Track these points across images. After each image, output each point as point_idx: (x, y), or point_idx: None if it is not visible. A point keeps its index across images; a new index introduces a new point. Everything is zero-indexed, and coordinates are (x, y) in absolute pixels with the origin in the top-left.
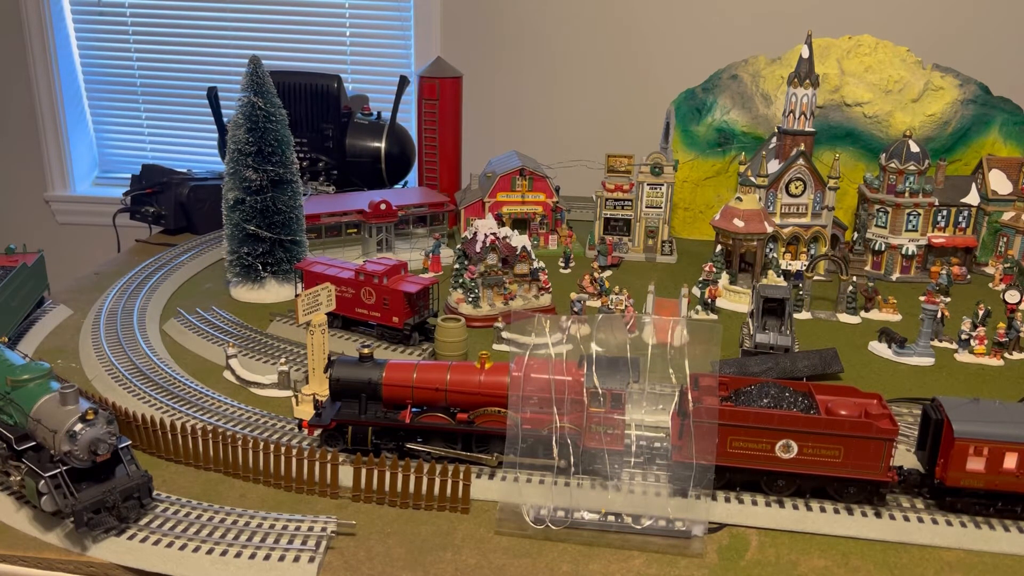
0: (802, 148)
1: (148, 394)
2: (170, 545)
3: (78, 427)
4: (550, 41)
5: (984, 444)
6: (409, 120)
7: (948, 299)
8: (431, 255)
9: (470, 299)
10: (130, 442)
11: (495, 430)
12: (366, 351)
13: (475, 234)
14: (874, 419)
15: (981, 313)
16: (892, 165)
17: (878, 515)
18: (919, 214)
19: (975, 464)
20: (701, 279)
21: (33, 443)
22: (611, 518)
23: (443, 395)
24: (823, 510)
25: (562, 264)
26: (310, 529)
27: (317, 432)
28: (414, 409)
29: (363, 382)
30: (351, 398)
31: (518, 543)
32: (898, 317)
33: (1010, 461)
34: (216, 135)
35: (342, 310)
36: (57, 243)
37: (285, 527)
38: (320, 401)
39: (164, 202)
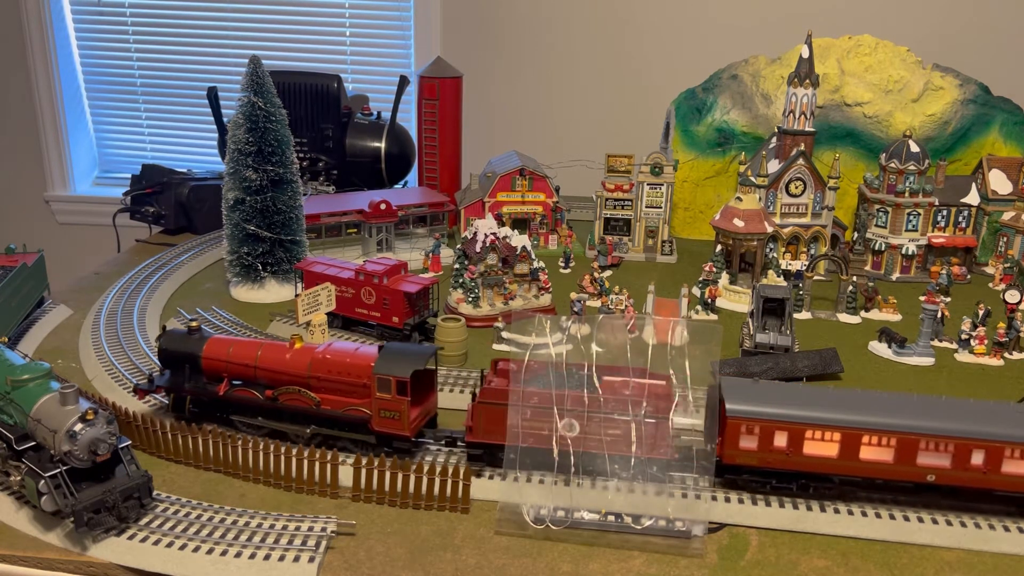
0: (802, 148)
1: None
2: (170, 545)
3: (78, 427)
4: (550, 41)
5: (756, 423)
6: (409, 120)
7: (948, 299)
8: (431, 255)
9: (470, 299)
10: (130, 442)
11: (295, 408)
12: (194, 324)
13: (475, 234)
14: (654, 399)
15: (981, 313)
16: (892, 165)
17: (878, 515)
18: (919, 214)
19: (748, 442)
20: (701, 279)
21: (33, 443)
22: (611, 518)
23: (253, 372)
24: (823, 510)
25: (562, 264)
26: (310, 529)
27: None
28: (235, 383)
29: (186, 354)
30: (178, 369)
31: (518, 543)
32: (898, 317)
33: (780, 439)
34: (216, 135)
35: (342, 310)
36: (57, 243)
37: (285, 527)
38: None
39: (164, 202)
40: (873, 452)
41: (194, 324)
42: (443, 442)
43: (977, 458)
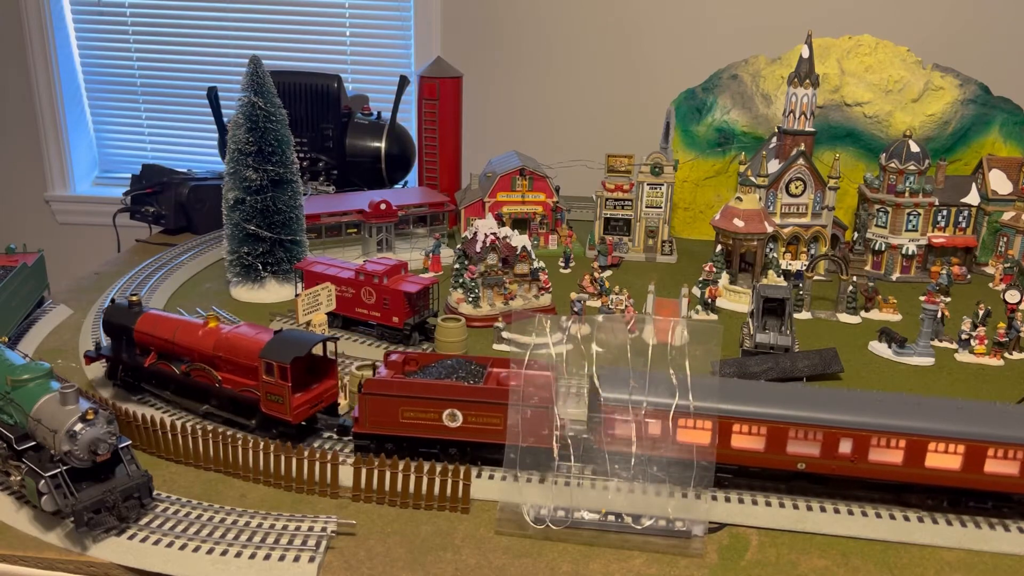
0: (802, 148)
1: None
2: (170, 545)
3: (78, 427)
4: (550, 41)
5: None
6: (409, 120)
7: (948, 299)
8: (431, 255)
9: (470, 299)
10: (130, 442)
11: (200, 384)
12: (134, 299)
13: (475, 234)
14: (534, 389)
15: (981, 313)
16: (892, 165)
17: (878, 515)
18: (919, 214)
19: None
20: (701, 279)
21: (33, 443)
22: (611, 518)
23: (172, 347)
24: (823, 510)
25: (562, 264)
26: (310, 529)
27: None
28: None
29: (123, 326)
30: (118, 339)
31: (518, 543)
32: (898, 317)
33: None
34: (216, 135)
35: (342, 310)
36: (57, 243)
37: (285, 527)
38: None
39: (164, 202)
40: (742, 440)
41: (134, 299)
42: (335, 431)
43: (845, 447)
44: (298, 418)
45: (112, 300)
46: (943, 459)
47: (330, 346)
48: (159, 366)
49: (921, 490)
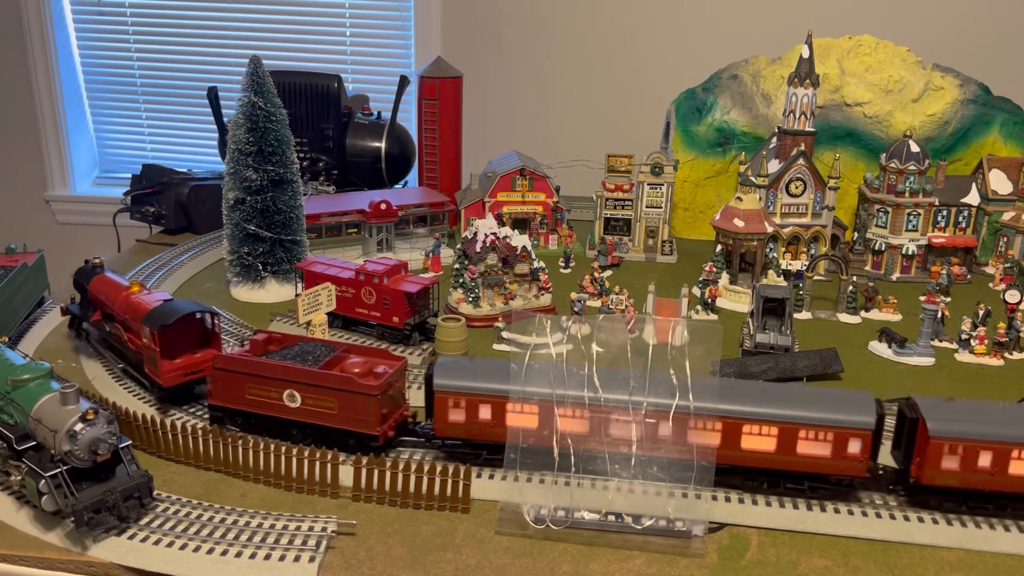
0: (802, 148)
1: (148, 394)
2: (170, 545)
3: (78, 427)
4: (550, 41)
5: (461, 397)
6: (409, 120)
7: (948, 299)
8: (431, 255)
9: (470, 299)
10: (130, 442)
11: (117, 340)
12: (97, 261)
13: (475, 234)
14: (358, 376)
15: (981, 313)
16: (892, 165)
17: (878, 515)
18: (919, 214)
19: (455, 415)
20: (701, 279)
21: (33, 443)
22: (611, 518)
23: (105, 307)
24: (823, 510)
25: (562, 264)
26: (310, 529)
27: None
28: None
29: (82, 285)
30: (83, 297)
31: (518, 543)
32: (898, 317)
33: (484, 412)
34: (216, 135)
35: (342, 310)
36: (57, 243)
37: (285, 527)
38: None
39: (164, 202)
40: (570, 424)
41: (96, 261)
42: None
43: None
44: (168, 382)
45: (86, 261)
46: (758, 441)
47: (215, 320)
48: (99, 323)
49: (742, 472)
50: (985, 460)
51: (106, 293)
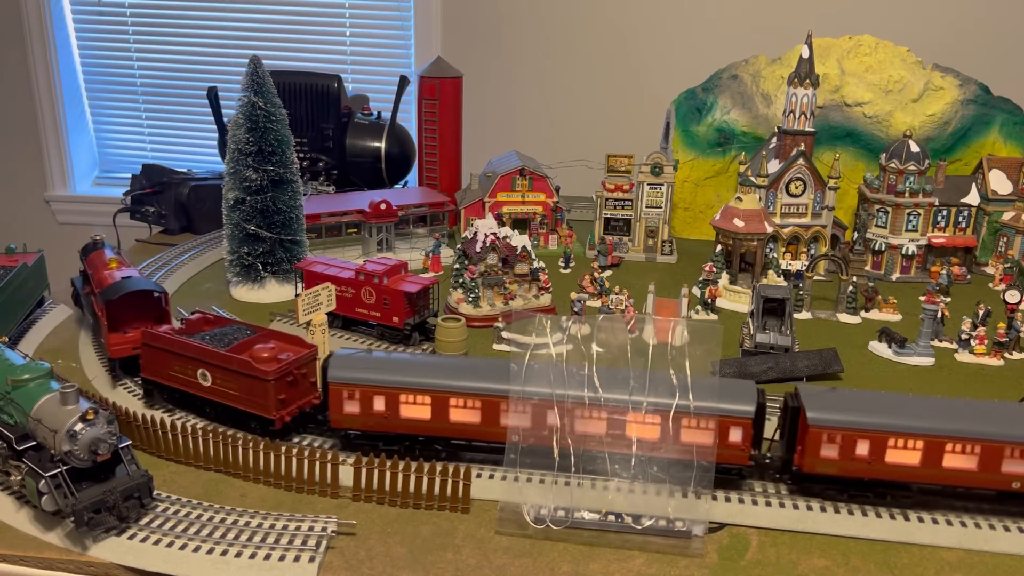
0: (802, 148)
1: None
2: (170, 545)
3: (78, 427)
4: (550, 41)
5: (356, 388)
6: (409, 120)
7: (948, 299)
8: (431, 255)
9: (470, 299)
10: (130, 442)
11: (93, 315)
12: (98, 238)
13: (475, 234)
14: (256, 361)
15: (981, 313)
16: (892, 165)
17: (878, 515)
18: (919, 214)
19: (351, 407)
20: (701, 279)
21: (33, 443)
22: (611, 518)
23: (92, 280)
24: (823, 510)
25: (562, 264)
26: (310, 529)
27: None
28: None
29: (83, 260)
30: (84, 271)
31: (518, 543)
32: (898, 317)
33: (378, 404)
34: (216, 135)
35: (342, 310)
36: (57, 243)
37: (285, 527)
38: None
39: (164, 202)
40: (462, 414)
41: (97, 238)
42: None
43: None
44: (115, 354)
45: (93, 238)
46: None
47: (166, 299)
48: (89, 295)
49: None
50: (863, 449)
51: (94, 268)
